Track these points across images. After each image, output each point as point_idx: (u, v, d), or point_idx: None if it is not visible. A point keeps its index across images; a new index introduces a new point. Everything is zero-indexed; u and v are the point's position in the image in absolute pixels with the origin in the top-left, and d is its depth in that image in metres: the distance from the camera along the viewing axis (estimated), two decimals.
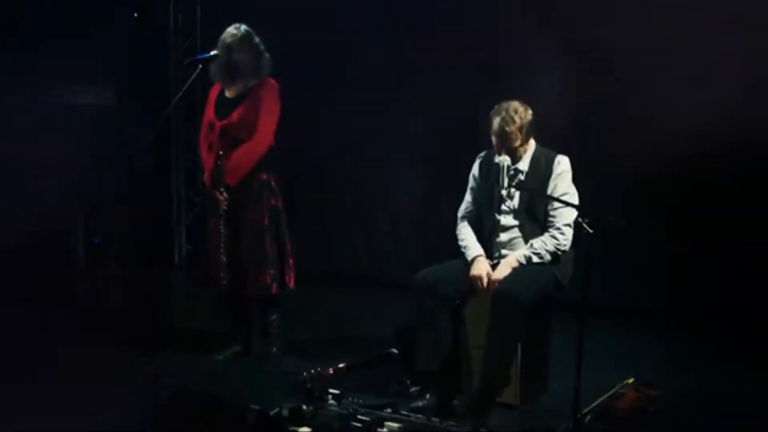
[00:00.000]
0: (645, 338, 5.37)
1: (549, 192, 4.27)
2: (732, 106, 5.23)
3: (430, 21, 6.42)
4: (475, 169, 4.51)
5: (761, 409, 4.27)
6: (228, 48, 4.70)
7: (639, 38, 5.63)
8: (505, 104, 4.30)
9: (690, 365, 4.91)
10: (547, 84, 5.74)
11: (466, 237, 4.43)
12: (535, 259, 4.26)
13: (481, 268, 4.26)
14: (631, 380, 4.32)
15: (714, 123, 5.14)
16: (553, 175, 4.30)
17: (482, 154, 4.50)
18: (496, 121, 4.27)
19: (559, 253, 4.26)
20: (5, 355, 4.87)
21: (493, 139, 4.31)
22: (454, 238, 4.51)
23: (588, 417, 3.96)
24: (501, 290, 4.15)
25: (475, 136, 4.64)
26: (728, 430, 4.07)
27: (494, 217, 4.37)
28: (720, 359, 5.01)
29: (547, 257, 4.26)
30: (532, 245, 4.27)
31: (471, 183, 4.53)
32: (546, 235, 4.28)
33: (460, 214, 4.54)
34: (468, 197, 4.53)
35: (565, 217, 4.25)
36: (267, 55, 4.77)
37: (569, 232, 4.25)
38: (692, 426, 4.11)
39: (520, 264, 4.25)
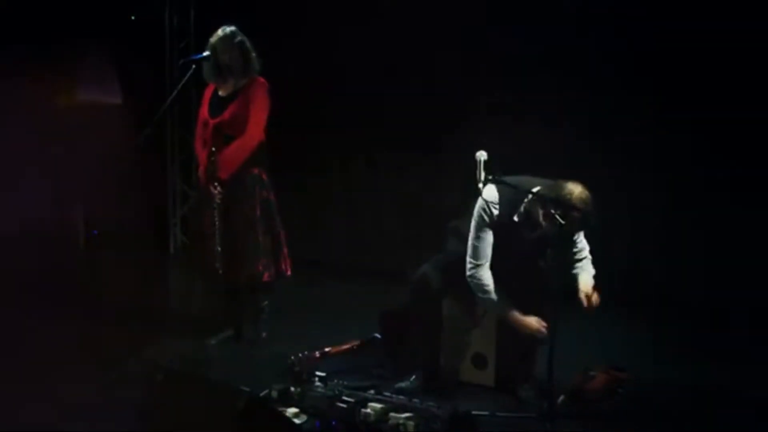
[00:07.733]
0: (616, 326, 5.42)
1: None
2: None
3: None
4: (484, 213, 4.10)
5: (727, 393, 4.41)
6: (215, 49, 4.84)
7: None
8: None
9: (659, 352, 5.02)
10: None
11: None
12: None
13: (533, 320, 4.13)
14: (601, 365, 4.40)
15: None
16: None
17: (488, 197, 4.06)
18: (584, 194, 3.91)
19: None
20: (5, 341, 5.04)
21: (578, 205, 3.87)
22: (439, 229, 4.54)
23: (561, 399, 4.09)
24: None
25: (461, 131, 4.64)
26: (694, 413, 4.20)
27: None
28: (690, 347, 5.12)
29: None
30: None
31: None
32: (586, 262, 4.28)
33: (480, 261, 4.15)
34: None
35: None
36: (254, 54, 4.89)
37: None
38: (660, 409, 4.25)
39: None
